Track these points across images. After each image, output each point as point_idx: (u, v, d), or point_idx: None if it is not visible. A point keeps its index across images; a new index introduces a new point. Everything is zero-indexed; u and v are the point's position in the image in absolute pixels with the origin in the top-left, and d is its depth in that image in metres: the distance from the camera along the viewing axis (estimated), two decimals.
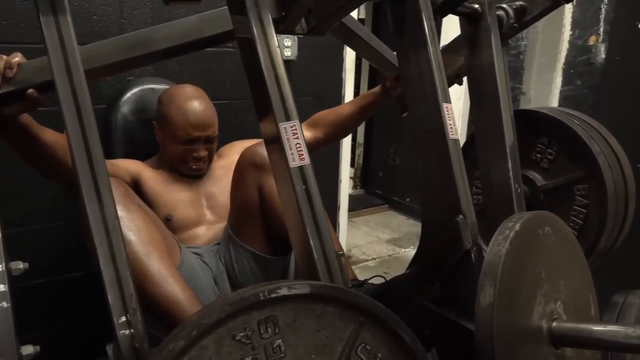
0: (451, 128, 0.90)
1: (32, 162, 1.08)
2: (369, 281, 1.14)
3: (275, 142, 0.75)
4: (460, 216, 0.87)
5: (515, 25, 1.16)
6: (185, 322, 0.60)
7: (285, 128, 0.73)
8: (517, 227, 0.77)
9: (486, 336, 0.69)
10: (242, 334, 0.61)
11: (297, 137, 0.73)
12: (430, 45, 0.89)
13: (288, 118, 0.73)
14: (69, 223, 1.70)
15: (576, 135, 1.14)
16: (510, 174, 1.05)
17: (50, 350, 1.71)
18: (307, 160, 0.73)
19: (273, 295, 0.61)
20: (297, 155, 0.73)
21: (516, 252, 0.75)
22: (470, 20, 1.09)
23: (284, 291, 0.62)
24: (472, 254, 0.86)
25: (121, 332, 0.63)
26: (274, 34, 0.76)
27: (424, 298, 0.94)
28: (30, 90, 0.86)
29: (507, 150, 1.05)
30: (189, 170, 1.45)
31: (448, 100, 0.91)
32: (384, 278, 1.10)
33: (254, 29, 0.75)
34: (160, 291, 1.00)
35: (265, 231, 1.24)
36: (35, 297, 1.68)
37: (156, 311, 1.02)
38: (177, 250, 1.25)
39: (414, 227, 3.46)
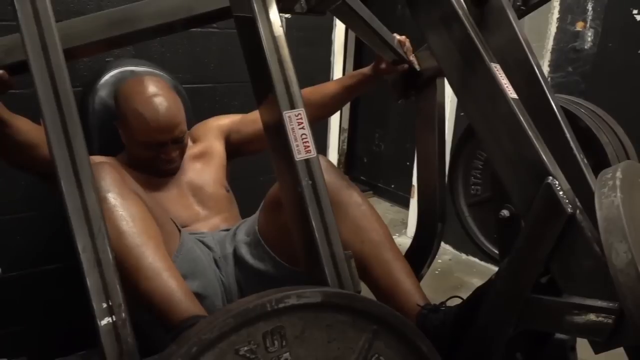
0: (507, 87, 0.81)
1: (1, 151, 0.99)
2: (446, 304, 1.03)
3: (277, 132, 0.68)
4: (550, 177, 0.74)
5: (523, 7, 1.11)
6: (183, 337, 0.54)
7: (289, 117, 0.66)
8: (619, 174, 0.67)
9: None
10: (246, 347, 0.55)
11: (303, 127, 0.66)
12: (460, 12, 0.82)
13: (293, 106, 0.67)
14: (43, 213, 1.60)
15: (584, 125, 1.09)
16: (575, 151, 0.92)
17: (27, 345, 1.65)
18: (313, 153, 0.66)
19: (281, 305, 0.55)
20: (303, 147, 0.66)
21: (631, 201, 0.64)
22: (477, 2, 1.03)
23: (292, 300, 0.56)
24: (577, 219, 0.72)
25: (108, 346, 0.56)
26: (277, 11, 0.68)
27: (532, 291, 0.82)
28: (0, 72, 0.78)
29: (563, 125, 0.93)
30: (161, 171, 1.33)
31: (495, 61, 0.83)
32: (461, 298, 1.00)
33: (255, 6, 0.67)
34: (154, 286, 0.92)
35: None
36: (10, 291, 1.59)
37: (150, 307, 0.94)
38: (177, 235, 1.16)
39: (399, 214, 3.42)
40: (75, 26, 0.83)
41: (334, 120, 2.43)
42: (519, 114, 0.78)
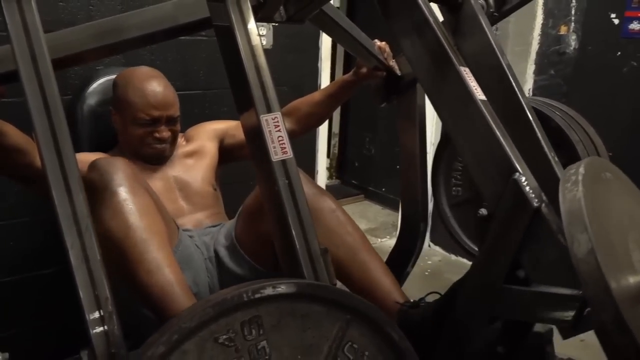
0: (476, 89, 0.85)
1: None
2: (424, 299, 1.07)
3: (256, 135, 0.72)
4: (517, 174, 0.78)
5: (496, 14, 1.15)
6: (165, 326, 0.57)
7: (266, 120, 0.70)
8: (581, 170, 0.69)
9: (599, 289, 0.59)
10: (225, 336, 0.59)
11: (279, 129, 0.70)
12: (431, 17, 0.86)
13: (269, 110, 0.71)
14: (36, 219, 1.63)
15: (556, 124, 1.14)
16: (545, 150, 0.96)
17: (20, 350, 1.67)
18: (289, 154, 0.70)
19: (257, 295, 0.59)
20: (280, 149, 0.70)
21: (592, 195, 0.66)
22: (451, 9, 1.07)
23: (268, 291, 0.60)
24: (542, 212, 0.76)
25: (96, 336, 0.60)
26: (254, 21, 0.72)
27: (504, 282, 0.85)
28: None
29: (534, 125, 0.98)
30: (151, 152, 1.38)
31: (464, 64, 0.87)
32: (439, 294, 1.02)
33: (232, 16, 0.71)
34: (155, 280, 0.96)
35: (271, 250, 1.20)
36: (3, 296, 1.61)
37: (148, 301, 0.97)
38: (176, 232, 1.20)
39: (389, 217, 3.47)
40: (64, 37, 0.87)
41: (323, 125, 2.47)
42: (486, 114, 0.82)
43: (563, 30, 2.25)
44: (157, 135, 1.36)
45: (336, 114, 3.97)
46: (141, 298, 0.97)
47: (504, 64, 1.00)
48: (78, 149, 1.45)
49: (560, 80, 2.28)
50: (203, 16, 0.88)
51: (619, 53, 2.04)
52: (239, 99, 0.76)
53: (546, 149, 0.94)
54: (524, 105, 0.97)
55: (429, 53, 0.87)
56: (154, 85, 1.34)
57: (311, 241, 0.70)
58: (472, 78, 0.86)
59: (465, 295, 0.91)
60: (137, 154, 1.39)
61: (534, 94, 2.37)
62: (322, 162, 2.44)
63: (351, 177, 4.02)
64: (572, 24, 2.21)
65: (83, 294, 0.59)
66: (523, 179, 0.77)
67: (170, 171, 1.42)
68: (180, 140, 1.50)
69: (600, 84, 2.12)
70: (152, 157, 1.39)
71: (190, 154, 1.48)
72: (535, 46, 2.37)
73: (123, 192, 1.00)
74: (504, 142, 0.81)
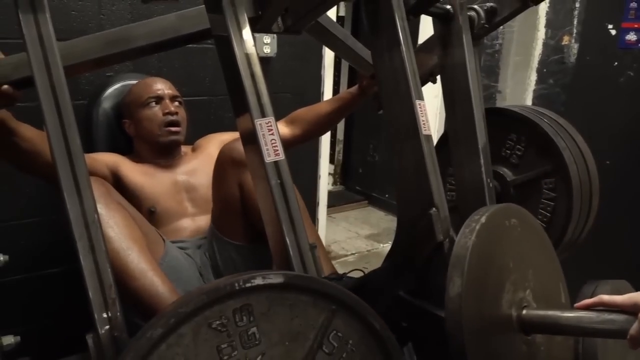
0: (424, 124, 0.92)
1: (9, 156, 1.09)
2: (348, 275, 1.17)
3: (251, 138, 0.78)
4: (433, 209, 0.90)
5: (486, 25, 1.20)
6: (162, 312, 0.62)
7: (260, 124, 0.75)
8: (483, 219, 0.81)
9: (455, 325, 0.72)
10: (218, 322, 0.64)
11: (272, 133, 0.76)
12: (403, 44, 0.91)
13: (264, 115, 0.76)
14: (46, 219, 1.69)
15: (543, 131, 1.18)
16: (482, 169, 1.09)
17: (30, 347, 1.72)
18: (282, 156, 0.75)
19: (248, 284, 0.64)
20: (273, 151, 0.75)
21: (483, 244, 0.79)
22: (443, 21, 1.13)
23: (258, 281, 0.64)
24: (444, 246, 0.89)
25: (100, 321, 0.65)
26: (250, 32, 0.78)
27: (400, 290, 0.97)
28: (6, 87, 0.87)
29: (479, 147, 1.09)
30: (166, 139, 1.47)
31: (421, 98, 0.93)
32: (363, 272, 1.13)
33: (230, 27, 0.77)
34: (140, 284, 1.02)
35: (247, 224, 1.27)
36: (14, 294, 1.67)
37: (138, 305, 1.03)
38: (161, 244, 1.26)
39: (392, 223, 3.50)
40: (75, 46, 0.92)
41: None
42: (424, 150, 0.91)
43: (565, 40, 2.29)
44: (166, 110, 1.46)
45: (341, 121, 4.03)
46: (131, 303, 1.03)
47: (470, 85, 1.11)
48: (95, 149, 1.53)
49: (559, 89, 2.32)
50: (204, 27, 0.94)
51: (616, 63, 2.07)
52: (235, 105, 0.81)
53: (484, 175, 1.09)
54: (476, 129, 1.10)
55: (393, 77, 0.93)
56: (150, 78, 1.52)
57: (300, 237, 0.75)
58: (425, 112, 0.93)
59: (372, 285, 1.04)
60: (154, 149, 1.48)
61: (534, 103, 2.41)
62: (324, 168, 2.49)
63: (355, 183, 4.07)
64: (575, 34, 2.24)
65: (89, 281, 0.65)
66: (437, 215, 0.90)
67: (179, 175, 1.51)
68: (189, 149, 1.58)
69: (598, 94, 2.16)
70: (168, 147, 1.49)
71: (198, 161, 1.56)
72: (536, 56, 2.41)
73: (98, 209, 1.06)
74: (431, 179, 0.91)
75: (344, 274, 1.18)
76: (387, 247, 3.10)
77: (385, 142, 3.73)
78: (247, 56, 0.77)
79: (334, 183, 4.14)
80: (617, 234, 2.03)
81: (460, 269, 0.75)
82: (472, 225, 0.80)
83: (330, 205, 2.81)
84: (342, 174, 4.20)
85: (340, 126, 4.10)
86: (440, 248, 0.90)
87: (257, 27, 0.92)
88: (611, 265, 2.07)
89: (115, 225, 1.05)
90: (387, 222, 3.56)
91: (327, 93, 2.37)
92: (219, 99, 2.02)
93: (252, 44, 0.77)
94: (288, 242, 0.74)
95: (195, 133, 1.70)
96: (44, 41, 0.72)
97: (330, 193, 2.66)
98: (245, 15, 0.79)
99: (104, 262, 0.66)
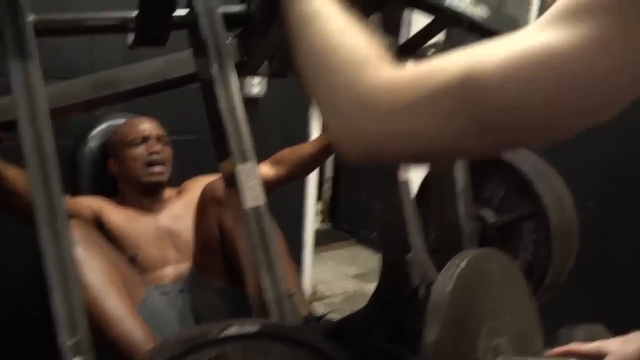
0: (402, 170, 0.95)
1: None
2: (326, 317, 1.17)
3: (232, 183, 0.78)
4: (410, 254, 0.91)
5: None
6: None
7: (241, 170, 0.76)
8: (462, 264, 0.82)
9: None
10: None
11: (254, 178, 0.76)
12: None
13: (245, 160, 0.77)
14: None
15: (523, 175, 1.21)
16: (461, 213, 1.11)
17: (30, 357, 1.66)
18: (261, 201, 0.76)
19: (223, 334, 0.63)
20: (253, 196, 0.76)
21: (461, 290, 0.80)
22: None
23: (234, 330, 0.64)
24: (420, 292, 0.90)
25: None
26: (234, 76, 0.79)
27: (378, 334, 0.98)
28: None
29: (458, 190, 1.11)
30: (151, 178, 1.47)
31: None
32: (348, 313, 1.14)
33: (214, 72, 0.79)
34: (118, 332, 1.01)
35: (227, 264, 1.26)
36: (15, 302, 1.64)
37: (115, 352, 1.02)
38: (142, 288, 1.25)
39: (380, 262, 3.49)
40: (63, 89, 0.94)
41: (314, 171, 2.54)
42: (403, 196, 0.96)
43: None
44: (150, 150, 1.46)
45: (330, 158, 4.05)
46: (109, 349, 1.02)
47: None
48: (80, 190, 1.53)
49: None
50: (191, 71, 0.96)
51: None
52: (218, 149, 0.82)
53: (463, 219, 1.11)
54: (456, 173, 1.12)
55: None
56: (137, 118, 1.53)
57: (279, 284, 0.75)
58: None
59: (349, 328, 1.07)
60: (137, 189, 1.47)
61: None
62: (311, 208, 2.50)
63: (343, 221, 4.06)
64: None
65: (64, 327, 0.64)
66: (413, 260, 0.93)
67: (163, 220, 1.50)
68: (175, 192, 1.58)
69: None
70: (151, 187, 1.47)
71: (183, 205, 1.55)
72: None
73: (77, 252, 1.06)
74: (408, 223, 0.94)
75: (322, 315, 1.17)
76: (374, 287, 3.07)
77: (374, 180, 3.75)
78: (231, 101, 0.78)
79: (322, 220, 4.13)
80: (597, 274, 2.04)
81: (438, 315, 0.76)
82: (452, 270, 0.81)
83: (318, 243, 2.80)
84: (330, 212, 4.19)
85: (329, 163, 4.12)
86: (414, 294, 0.91)
87: (245, 72, 0.95)
88: (593, 304, 2.06)
89: (94, 270, 1.05)
90: (375, 261, 3.54)
91: (316, 133, 2.40)
92: (207, 137, 2.02)
93: (236, 88, 0.79)
94: (266, 288, 0.74)
95: (186, 173, 1.70)
96: (31, 89, 0.72)
97: (317, 231, 2.66)
98: (231, 60, 0.81)
99: (80, 309, 0.65)
